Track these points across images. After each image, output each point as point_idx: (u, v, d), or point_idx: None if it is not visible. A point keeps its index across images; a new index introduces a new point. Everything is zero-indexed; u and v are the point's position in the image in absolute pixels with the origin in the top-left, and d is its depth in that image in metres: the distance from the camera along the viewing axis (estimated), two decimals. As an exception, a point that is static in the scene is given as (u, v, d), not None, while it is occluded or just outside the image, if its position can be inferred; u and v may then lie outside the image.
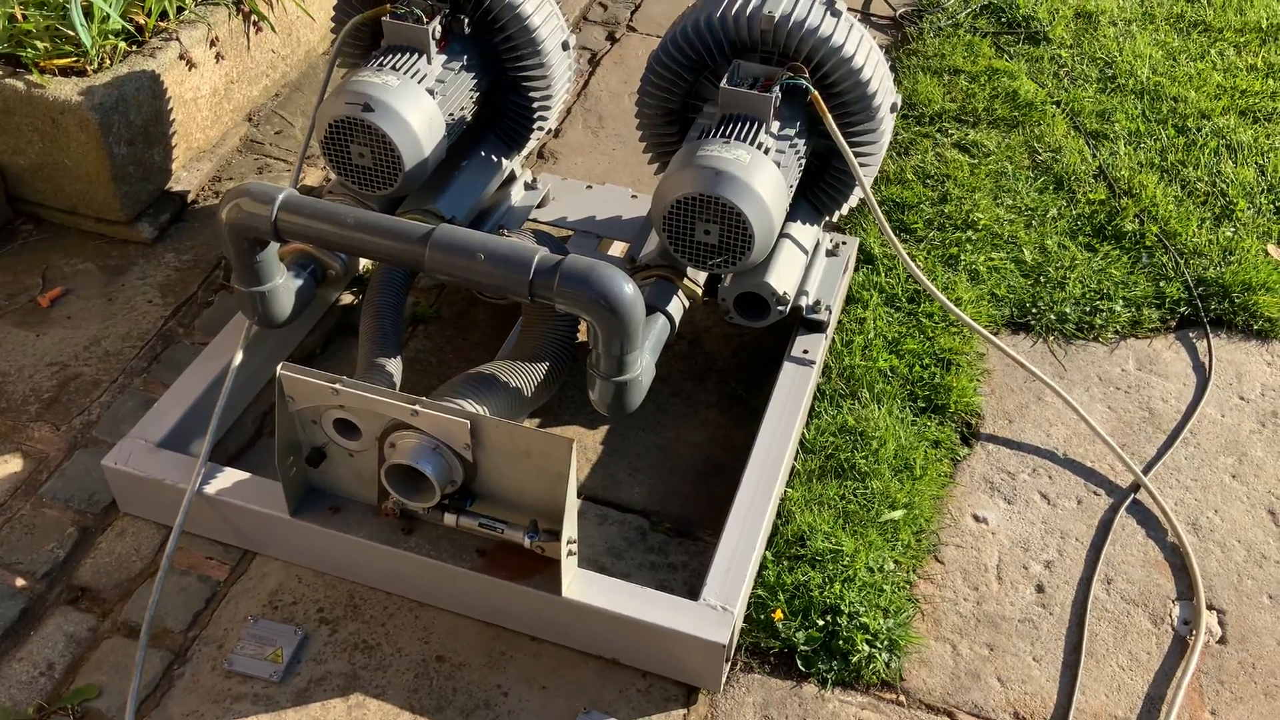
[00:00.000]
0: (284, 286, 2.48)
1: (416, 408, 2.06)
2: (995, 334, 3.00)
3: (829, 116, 2.48)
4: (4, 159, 3.02)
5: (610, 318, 2.16)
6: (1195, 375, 2.90)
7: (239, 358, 2.53)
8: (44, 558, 2.39)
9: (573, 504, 2.07)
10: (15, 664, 2.21)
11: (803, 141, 2.54)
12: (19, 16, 2.95)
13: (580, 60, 4.01)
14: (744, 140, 2.40)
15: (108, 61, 2.96)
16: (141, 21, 3.07)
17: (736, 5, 2.52)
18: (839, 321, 2.93)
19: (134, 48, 3.03)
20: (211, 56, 3.22)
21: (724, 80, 2.48)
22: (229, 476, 2.38)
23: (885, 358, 2.83)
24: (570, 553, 2.14)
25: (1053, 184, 3.43)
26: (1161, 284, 3.10)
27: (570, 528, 2.10)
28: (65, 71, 2.92)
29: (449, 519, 2.18)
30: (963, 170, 3.45)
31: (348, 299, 3.00)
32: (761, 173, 2.36)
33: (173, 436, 2.47)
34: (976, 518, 2.56)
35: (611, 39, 4.14)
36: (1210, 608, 2.38)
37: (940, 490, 2.59)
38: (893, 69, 3.93)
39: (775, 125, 2.48)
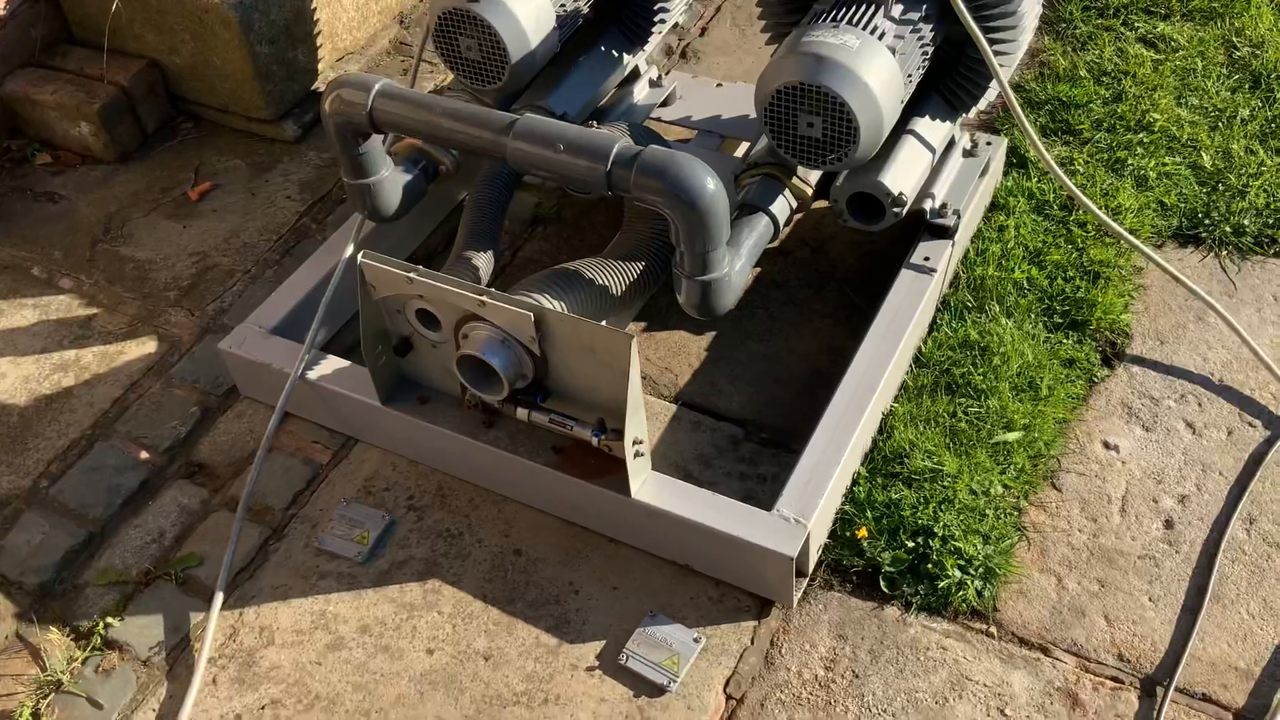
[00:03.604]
0: (390, 180, 2.49)
1: (483, 299, 2.03)
2: (1159, 246, 2.70)
3: (956, -2, 2.26)
4: (162, 58, 3.18)
5: (689, 212, 2.06)
6: (1394, 298, 2.53)
7: (349, 251, 2.58)
8: (167, 434, 2.53)
9: (637, 402, 2.01)
10: (131, 530, 2.37)
11: (929, 27, 2.33)
12: (171, -82, 3.07)
13: (737, -44, 3.84)
14: (856, 24, 2.22)
15: (252, -39, 3.05)
16: (288, -79, 3.14)
17: (860, -122, 2.32)
18: (978, 229, 2.71)
19: (279, -53, 3.11)
20: (356, -44, 3.26)
21: (840, -41, 2.30)
22: (331, 364, 2.44)
23: (1024, 269, 2.60)
24: (638, 454, 2.08)
25: (1249, 82, 3.04)
26: (1367, 194, 2.71)
27: (635, 427, 2.03)
28: (212, -28, 3.02)
29: (521, 413, 2.16)
30: (1144, 66, 3.11)
31: (473, 198, 3.01)
32: (871, 60, 2.18)
33: (287, 324, 2.55)
34: (1107, 445, 2.33)
35: (774, -67, 3.93)
36: (1370, 558, 2.09)
37: (1068, 413, 2.37)
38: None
39: (897, 9, 2.28)
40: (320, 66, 3.28)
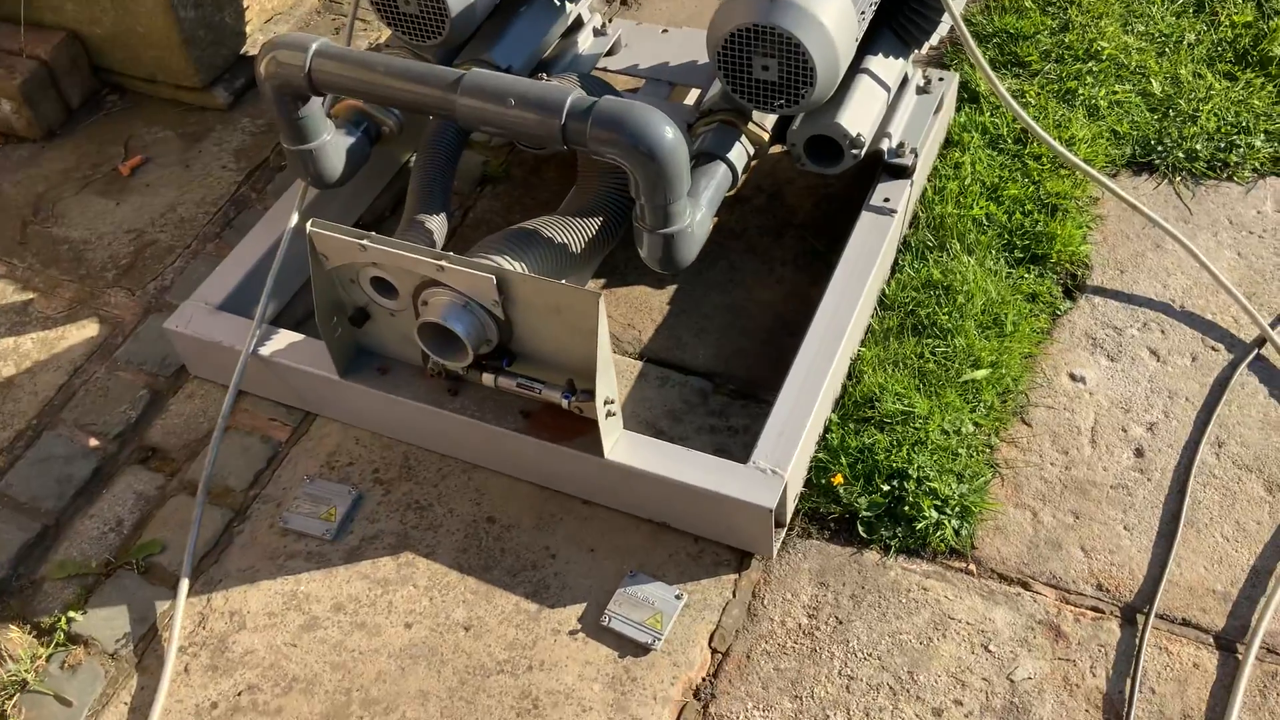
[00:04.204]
0: (333, 144, 2.41)
1: (442, 263, 1.97)
2: (1113, 175, 2.70)
3: (905, -69, 2.22)
4: (82, 29, 3.04)
5: (649, 164, 2.01)
6: (1346, 216, 2.55)
7: (294, 220, 2.49)
8: (117, 419, 2.45)
9: (606, 361, 1.97)
10: (86, 520, 2.29)
11: (879, -38, 2.29)
12: (81, -121, 2.92)
13: (673, -102, 3.75)
14: (807, -38, 2.17)
15: (170, -79, 2.91)
16: (205, -122, 3.01)
17: None
18: (934, 167, 2.69)
19: (197, -94, 2.97)
20: (279, -88, 3.13)
21: (786, -105, 2.23)
22: (284, 338, 2.37)
23: (982, 205, 2.58)
24: (610, 413, 2.05)
25: (1192, 6, 3.03)
26: (1314, 114, 2.72)
27: (606, 387, 1.99)
28: (129, -66, 2.89)
29: (487, 379, 2.11)
30: (1089, -5, 3.09)
31: (418, 159, 2.92)
32: (824, -2, 2.13)
33: (234, 300, 2.46)
34: (1073, 377, 2.34)
35: (708, -127, 3.85)
36: (1337, 475, 2.12)
37: (1033, 348, 2.37)
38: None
39: (846, -56, 2.23)
40: (248, 29, 3.16)
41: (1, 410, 2.47)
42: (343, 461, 2.34)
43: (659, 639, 2.01)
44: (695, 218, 2.19)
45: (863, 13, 2.25)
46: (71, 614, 2.14)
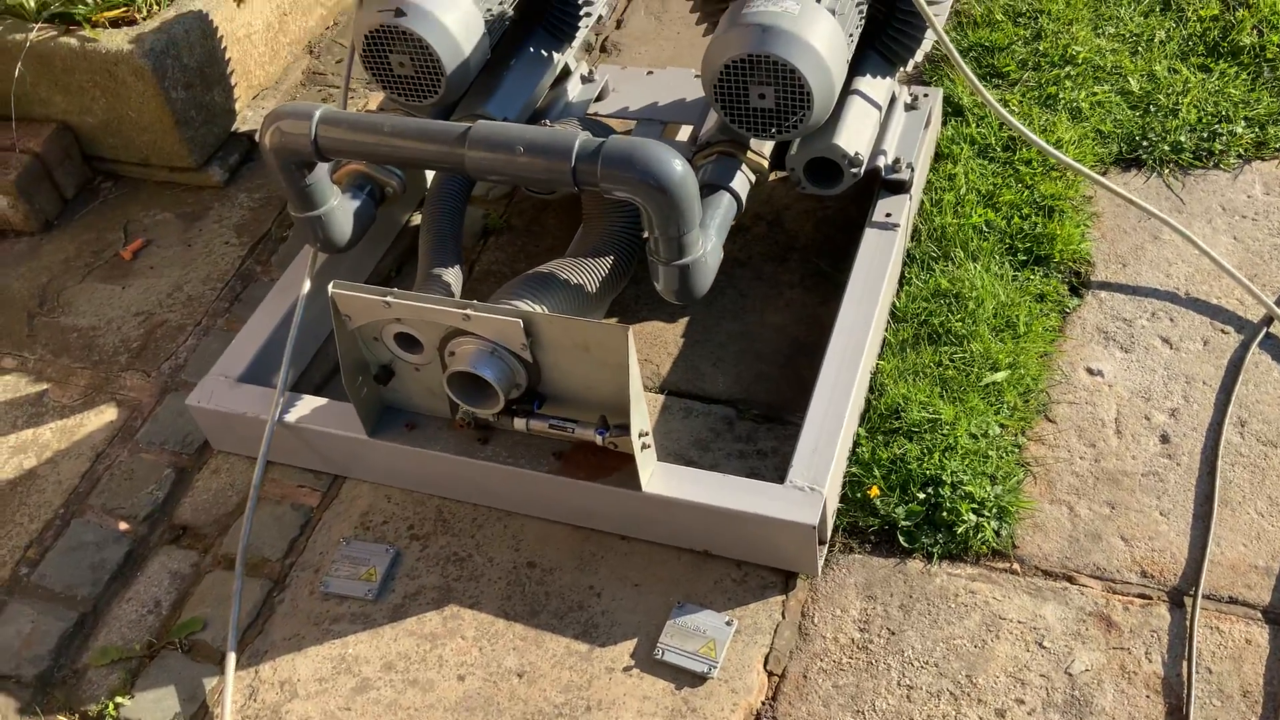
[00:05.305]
0: (340, 208, 2.43)
1: (468, 312, 1.99)
2: (1103, 173, 2.76)
3: (885, -47, 2.28)
4: (73, 119, 3.06)
5: (660, 197, 2.04)
6: (1334, 192, 2.61)
7: (307, 287, 2.51)
8: (144, 500, 2.44)
9: (638, 394, 1.98)
10: (124, 604, 2.27)
11: (861, -14, 2.34)
12: (64, -27, 2.96)
13: (639, -55, 3.83)
14: (792, -9, 2.22)
15: (155, 7, 2.95)
16: (185, -37, 3.05)
17: None
18: (927, 180, 2.73)
19: (180, -10, 3.01)
20: (259, -10, 3.18)
21: (766, -72, 2.29)
22: (308, 404, 2.37)
23: (980, 212, 2.63)
24: (645, 445, 2.06)
25: (1159, 4, 3.11)
26: (1290, 97, 2.79)
27: (640, 419, 2.01)
28: (116, 23, 2.92)
29: (519, 423, 2.12)
30: (1058, 2, 3.16)
31: (419, 219, 2.95)
32: (815, 24, 2.18)
33: (253, 371, 2.47)
34: (1090, 371, 2.37)
35: (671, -81, 3.93)
36: (1361, 442, 2.15)
37: (1048, 346, 2.40)
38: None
39: (828, -29, 2.28)
40: (237, 106, 3.19)
41: (27, 502, 2.46)
42: (377, 521, 2.33)
43: (714, 667, 2.01)
44: (708, 247, 2.22)
45: (850, 35, 2.30)
46: (119, 699, 2.12)
